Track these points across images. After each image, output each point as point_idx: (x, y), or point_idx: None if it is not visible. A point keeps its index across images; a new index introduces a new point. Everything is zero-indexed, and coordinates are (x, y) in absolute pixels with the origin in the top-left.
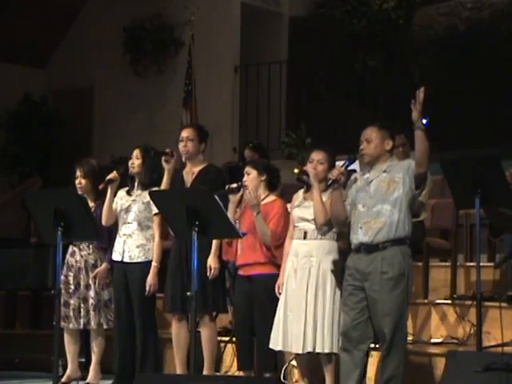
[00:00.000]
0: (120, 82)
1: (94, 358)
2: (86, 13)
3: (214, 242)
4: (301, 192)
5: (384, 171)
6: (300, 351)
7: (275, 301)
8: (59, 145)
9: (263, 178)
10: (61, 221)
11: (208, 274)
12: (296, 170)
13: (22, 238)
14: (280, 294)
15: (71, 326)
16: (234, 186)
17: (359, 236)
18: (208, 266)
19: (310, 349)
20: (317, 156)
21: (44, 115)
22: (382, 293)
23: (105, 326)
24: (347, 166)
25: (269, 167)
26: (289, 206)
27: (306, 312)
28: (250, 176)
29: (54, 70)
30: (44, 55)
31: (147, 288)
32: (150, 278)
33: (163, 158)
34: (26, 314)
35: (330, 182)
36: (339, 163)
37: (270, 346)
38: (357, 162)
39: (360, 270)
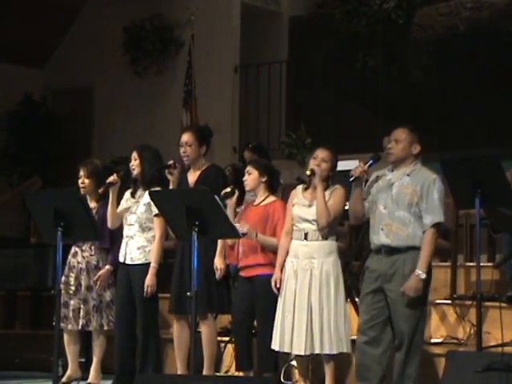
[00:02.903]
0: (120, 82)
1: (95, 359)
2: (85, 13)
3: (219, 242)
4: (299, 189)
5: (407, 175)
6: (302, 353)
7: (276, 301)
8: (59, 145)
9: (264, 180)
10: (60, 221)
11: (216, 274)
12: (308, 172)
13: (21, 237)
14: (278, 289)
15: (70, 326)
16: (228, 190)
17: (380, 238)
18: (215, 266)
19: (317, 350)
20: (322, 153)
21: (44, 115)
22: (403, 295)
23: (106, 327)
24: (371, 165)
25: (270, 169)
26: None
27: (308, 314)
28: (251, 176)
29: (54, 70)
30: (44, 55)
31: (145, 289)
32: (148, 279)
33: (166, 171)
34: (25, 313)
35: (352, 179)
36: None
37: (272, 346)
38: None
39: (381, 271)
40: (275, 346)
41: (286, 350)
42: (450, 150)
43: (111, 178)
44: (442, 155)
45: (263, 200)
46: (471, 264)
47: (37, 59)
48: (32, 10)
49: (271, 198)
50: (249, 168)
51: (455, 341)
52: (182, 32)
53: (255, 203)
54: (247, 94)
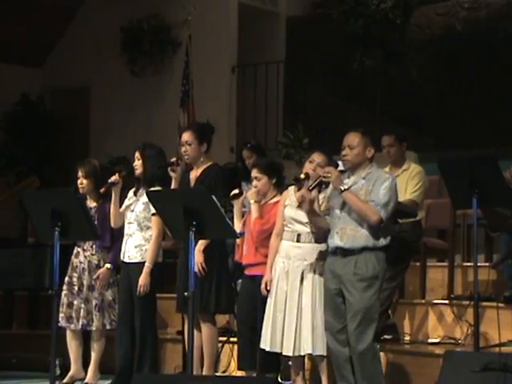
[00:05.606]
0: (117, 82)
1: (94, 359)
2: (83, 13)
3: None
4: (291, 190)
5: (363, 178)
6: (291, 353)
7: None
8: (56, 145)
9: (274, 181)
10: (58, 221)
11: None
12: (303, 176)
13: (19, 237)
14: (268, 291)
15: (72, 326)
16: (236, 191)
17: (335, 241)
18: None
19: (309, 351)
20: (318, 158)
21: (41, 115)
22: (355, 294)
23: (108, 327)
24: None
25: (276, 167)
26: None
27: (298, 315)
28: (262, 181)
29: (51, 70)
30: (41, 55)
31: (138, 288)
32: (142, 279)
33: (169, 169)
34: (22, 313)
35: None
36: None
37: (261, 345)
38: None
39: (336, 272)
40: (265, 345)
41: (277, 350)
42: (447, 149)
43: (113, 178)
44: (440, 155)
45: (271, 199)
46: (469, 264)
47: (34, 59)
48: (29, 9)
49: (276, 198)
50: (256, 174)
51: (452, 341)
52: (179, 32)
53: (261, 203)
54: (244, 94)
